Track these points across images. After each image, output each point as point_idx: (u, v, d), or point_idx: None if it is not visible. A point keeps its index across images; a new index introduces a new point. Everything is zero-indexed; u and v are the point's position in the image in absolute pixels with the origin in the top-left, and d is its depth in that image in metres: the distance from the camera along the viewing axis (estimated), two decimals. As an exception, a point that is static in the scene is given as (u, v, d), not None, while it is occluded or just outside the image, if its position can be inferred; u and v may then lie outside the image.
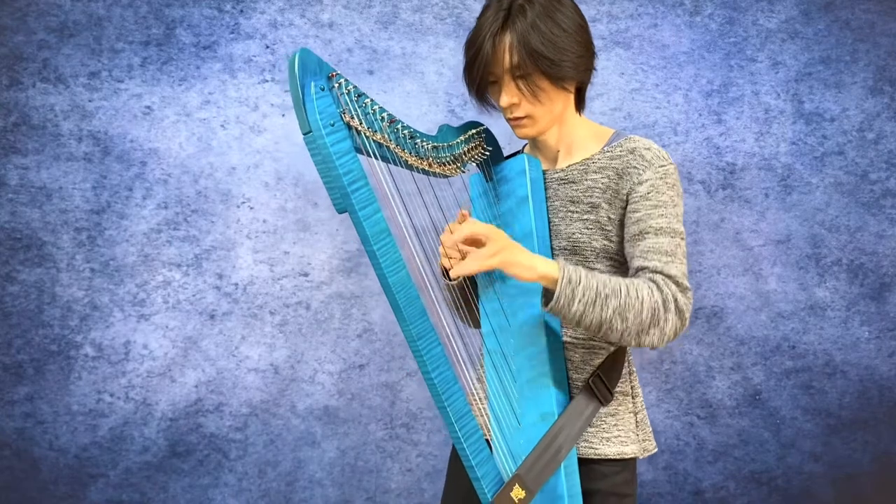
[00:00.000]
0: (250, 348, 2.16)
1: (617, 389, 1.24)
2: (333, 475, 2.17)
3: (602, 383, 1.21)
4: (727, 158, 2.22)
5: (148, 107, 2.15)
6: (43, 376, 2.09)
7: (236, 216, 2.17)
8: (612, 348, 1.25)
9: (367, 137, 1.05)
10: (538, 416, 1.17)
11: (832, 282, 2.21)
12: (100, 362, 2.11)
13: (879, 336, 2.21)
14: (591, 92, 1.30)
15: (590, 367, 1.23)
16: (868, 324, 2.21)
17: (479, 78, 1.18)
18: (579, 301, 1.07)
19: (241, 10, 2.17)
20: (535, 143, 1.30)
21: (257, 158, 2.18)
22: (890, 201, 2.22)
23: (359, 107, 1.04)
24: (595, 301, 1.07)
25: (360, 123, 1.04)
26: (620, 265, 1.23)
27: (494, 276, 1.28)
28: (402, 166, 1.15)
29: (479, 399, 1.24)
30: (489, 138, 1.29)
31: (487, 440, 1.23)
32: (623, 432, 1.22)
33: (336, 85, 1.01)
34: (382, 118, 1.07)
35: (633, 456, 1.22)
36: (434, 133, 1.20)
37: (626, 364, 1.26)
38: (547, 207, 1.26)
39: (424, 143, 1.15)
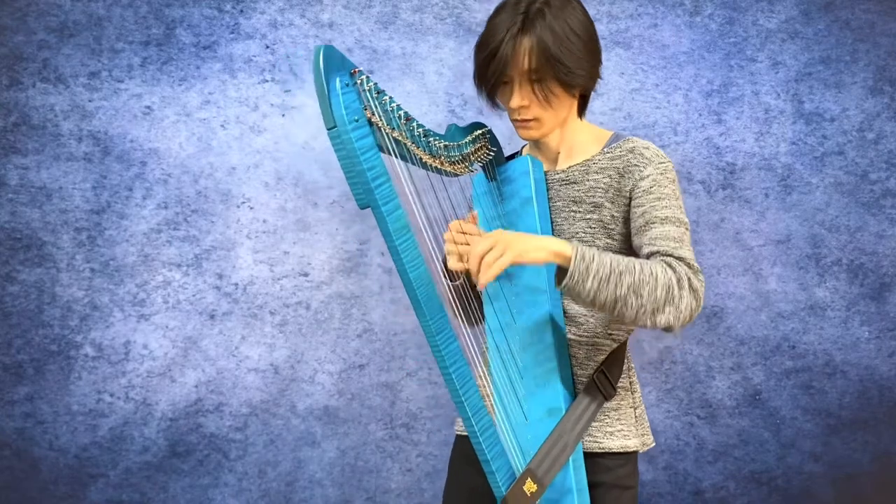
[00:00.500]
0: (250, 348, 2.16)
1: (619, 384, 1.26)
2: (333, 475, 2.18)
3: (606, 379, 1.23)
4: (727, 158, 2.23)
5: (148, 107, 2.15)
6: (43, 376, 2.09)
7: (236, 216, 2.17)
8: (615, 345, 1.28)
9: (387, 134, 1.06)
10: (545, 411, 1.19)
11: (832, 282, 2.22)
12: (100, 362, 2.11)
13: (879, 336, 2.21)
14: (594, 90, 1.31)
15: (593, 363, 1.25)
16: (868, 324, 2.21)
17: (495, 79, 1.19)
18: (593, 277, 1.06)
19: (241, 10, 2.18)
20: (536, 144, 1.32)
21: (257, 158, 2.18)
22: (890, 201, 2.22)
23: (379, 104, 1.04)
24: (609, 277, 1.07)
25: (381, 120, 1.04)
26: None
27: (499, 275, 1.28)
28: (417, 164, 1.16)
29: (488, 394, 1.25)
30: (493, 139, 1.30)
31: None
32: (625, 426, 1.25)
33: (359, 81, 1.01)
34: (400, 116, 1.07)
35: (634, 449, 1.25)
36: (441, 132, 1.21)
37: (625, 360, 1.29)
38: (549, 207, 1.28)
39: (437, 142, 1.16)
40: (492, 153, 1.29)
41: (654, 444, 1.30)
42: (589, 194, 1.24)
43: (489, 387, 1.24)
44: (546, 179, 1.29)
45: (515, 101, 1.20)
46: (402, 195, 1.07)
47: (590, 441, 1.23)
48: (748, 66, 2.23)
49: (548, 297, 1.22)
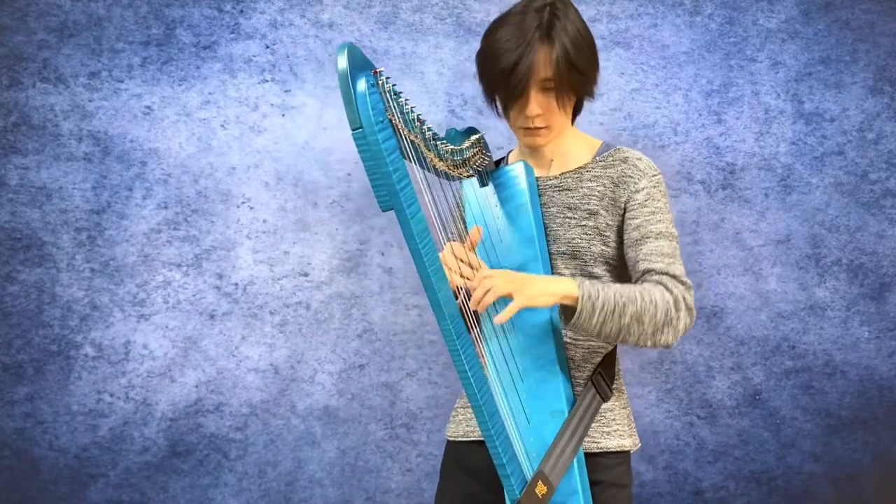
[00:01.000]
0: (250, 348, 2.16)
1: (613, 386, 1.29)
2: (333, 475, 2.18)
3: (603, 380, 1.26)
4: (727, 158, 2.23)
5: (148, 107, 2.15)
6: (43, 376, 2.09)
7: (236, 216, 2.17)
8: (610, 347, 1.30)
9: (404, 137, 1.05)
10: (548, 413, 1.20)
11: (832, 282, 2.22)
12: (100, 362, 2.11)
13: (879, 336, 2.21)
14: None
15: (590, 364, 1.27)
16: (868, 324, 2.21)
17: (517, 91, 1.18)
18: (599, 312, 1.13)
19: (241, 10, 2.18)
20: (532, 151, 1.32)
21: (257, 158, 2.18)
22: (890, 201, 2.22)
23: (397, 105, 1.03)
24: (614, 310, 1.14)
25: (400, 122, 1.03)
26: (615, 269, 1.29)
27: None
28: (427, 168, 1.15)
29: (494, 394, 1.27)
30: (485, 144, 1.31)
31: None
32: (620, 426, 1.28)
33: (380, 82, 1.00)
34: (414, 118, 1.06)
35: (629, 449, 1.28)
36: (442, 134, 1.21)
37: (616, 362, 1.32)
38: (542, 213, 1.29)
39: (444, 146, 1.16)
40: (486, 158, 1.30)
41: (640, 445, 1.34)
42: (583, 201, 1.26)
43: (494, 388, 1.24)
44: (539, 185, 1.31)
45: (533, 110, 1.20)
46: (420, 198, 1.06)
47: (589, 441, 1.25)
48: (748, 66, 2.23)
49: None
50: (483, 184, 1.33)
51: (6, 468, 2.08)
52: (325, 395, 2.17)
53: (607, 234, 1.25)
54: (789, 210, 2.22)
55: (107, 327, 2.12)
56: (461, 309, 1.28)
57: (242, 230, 2.17)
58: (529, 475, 1.16)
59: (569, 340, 1.27)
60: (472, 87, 2.20)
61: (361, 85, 0.96)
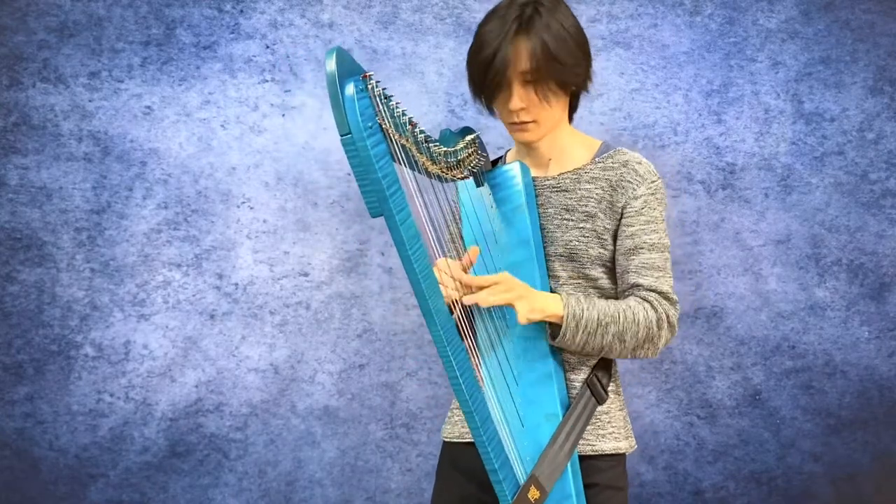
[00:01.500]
0: (250, 348, 2.16)
1: (609, 388, 1.28)
2: (333, 475, 2.18)
3: (598, 383, 1.26)
4: (727, 158, 2.23)
5: (148, 107, 2.15)
6: (43, 376, 2.09)
7: (236, 216, 2.17)
8: None
9: (395, 141, 1.04)
10: (542, 417, 1.19)
11: (832, 282, 2.22)
12: (100, 362, 2.11)
13: (879, 336, 2.21)
14: (591, 92, 1.31)
15: (586, 367, 1.27)
16: (868, 324, 2.21)
17: (496, 83, 1.19)
18: (582, 331, 1.18)
19: (241, 10, 2.18)
20: (527, 149, 1.31)
21: (257, 158, 2.18)
22: (890, 201, 2.22)
23: (387, 109, 1.02)
24: (596, 330, 1.18)
25: (390, 126, 1.02)
26: (611, 270, 1.28)
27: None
28: (420, 171, 1.14)
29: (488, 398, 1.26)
30: (481, 145, 1.29)
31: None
32: (616, 428, 1.27)
33: (369, 86, 0.99)
34: (405, 122, 1.05)
35: (624, 451, 1.27)
36: (436, 136, 1.20)
37: (613, 364, 1.31)
38: (539, 214, 1.28)
39: (437, 148, 1.14)
40: (482, 159, 1.28)
41: (635, 447, 1.33)
42: (581, 203, 1.25)
43: (487, 392, 1.24)
44: (536, 185, 1.29)
45: (515, 104, 1.20)
46: (411, 203, 1.05)
47: (583, 444, 1.24)
48: (748, 66, 2.23)
49: None
50: (479, 184, 1.31)
51: (6, 468, 2.08)
52: (325, 395, 2.17)
53: (605, 237, 1.25)
54: (789, 210, 2.22)
55: (107, 327, 2.12)
56: (456, 317, 1.28)
57: (242, 230, 2.17)
58: (523, 479, 1.15)
59: None
60: (472, 87, 2.20)
61: (349, 90, 0.94)
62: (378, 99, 1.00)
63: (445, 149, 1.16)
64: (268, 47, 2.18)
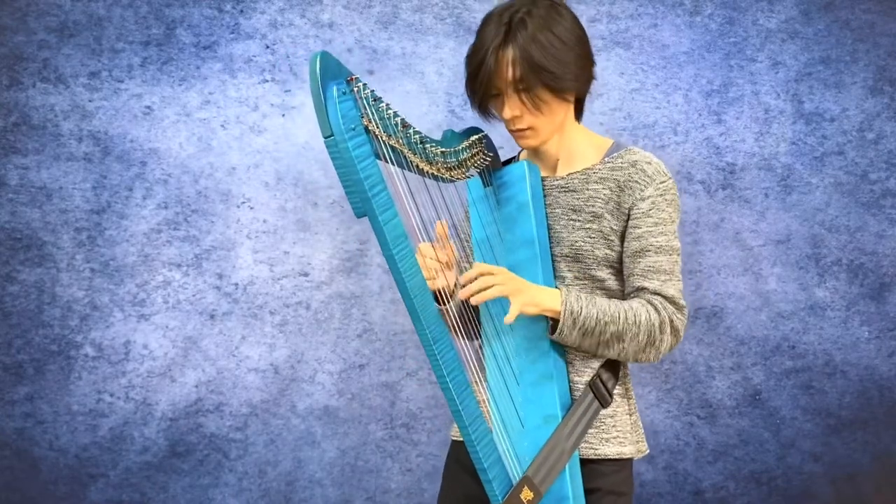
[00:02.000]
0: (250, 348, 2.16)
1: (615, 391, 1.26)
2: (333, 475, 2.18)
3: (602, 385, 1.23)
4: (727, 158, 2.23)
5: (148, 107, 2.15)
6: (43, 376, 2.09)
7: (236, 216, 2.17)
8: None
9: (384, 142, 1.05)
10: (542, 418, 1.18)
11: (832, 282, 2.22)
12: (100, 362, 2.11)
13: (879, 336, 2.21)
14: (591, 92, 1.31)
15: (590, 369, 1.25)
16: (868, 324, 2.21)
17: (483, 92, 1.20)
18: (579, 328, 1.16)
19: (241, 10, 2.18)
20: (535, 151, 1.31)
21: (257, 158, 2.18)
22: (890, 201, 2.22)
23: (375, 111, 1.03)
24: (594, 329, 1.16)
25: (377, 128, 1.03)
26: (618, 272, 1.26)
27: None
28: (413, 171, 1.15)
29: (484, 400, 1.25)
30: (489, 144, 1.30)
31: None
32: (621, 433, 1.24)
33: (355, 88, 1.00)
34: (396, 123, 1.06)
35: (630, 456, 1.24)
36: (437, 136, 1.20)
37: (621, 367, 1.28)
38: (546, 214, 1.28)
39: (433, 148, 1.15)
40: (488, 158, 1.28)
41: (647, 452, 1.30)
42: (588, 203, 1.24)
43: (485, 393, 1.24)
44: (544, 185, 1.29)
45: (507, 113, 1.20)
46: (400, 203, 1.07)
47: (586, 447, 1.22)
48: (748, 66, 2.23)
49: None
50: (486, 184, 1.32)
51: (6, 468, 2.08)
52: (325, 395, 2.17)
53: (612, 238, 1.23)
54: (789, 210, 2.22)
55: (107, 327, 2.12)
56: (460, 312, 1.28)
57: (242, 230, 2.17)
58: (518, 480, 1.15)
59: None
60: (472, 87, 2.20)
61: (331, 93, 0.97)
62: (365, 101, 1.01)
63: (443, 149, 1.17)
64: (268, 47, 2.18)
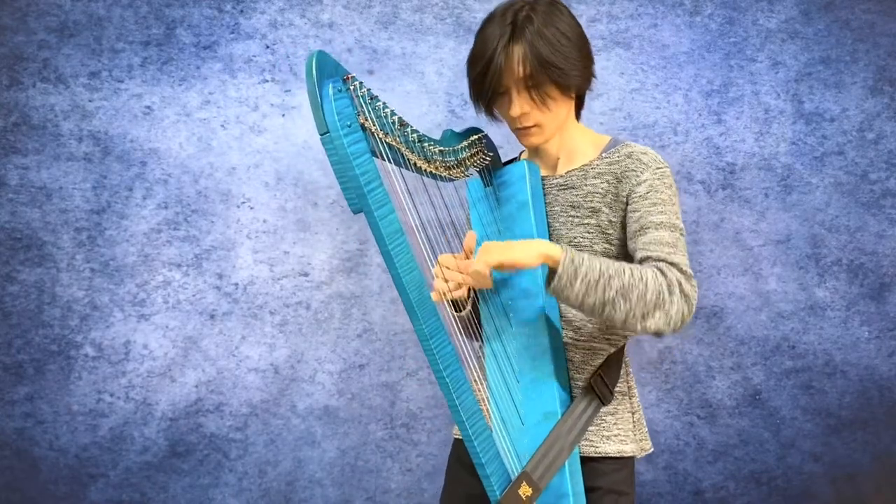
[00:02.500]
0: (250, 348, 2.16)
1: (616, 389, 1.26)
2: (333, 475, 2.18)
3: (603, 383, 1.23)
4: (727, 158, 2.23)
5: (148, 107, 2.15)
6: (43, 376, 2.09)
7: (236, 216, 2.17)
8: (612, 349, 1.27)
9: (380, 140, 1.07)
10: (541, 415, 1.19)
11: (832, 282, 2.22)
12: (100, 362, 2.11)
13: (879, 336, 2.21)
14: (591, 92, 1.31)
15: (590, 367, 1.25)
16: (868, 324, 2.21)
17: (492, 91, 1.20)
18: (581, 280, 1.08)
19: (241, 10, 2.18)
20: (536, 149, 1.32)
21: (257, 158, 2.18)
22: (890, 201, 2.22)
23: (372, 109, 1.05)
24: (598, 281, 1.08)
25: (374, 126, 1.05)
26: None
27: (495, 279, 1.28)
28: (411, 169, 1.16)
29: (483, 399, 1.25)
30: (489, 144, 1.30)
31: None
32: (622, 431, 1.24)
33: (352, 87, 1.02)
34: (394, 121, 1.08)
35: (632, 455, 1.24)
36: (437, 136, 1.21)
37: (623, 365, 1.28)
38: (546, 212, 1.28)
39: (432, 147, 1.16)
40: (487, 158, 1.29)
41: (651, 450, 1.29)
42: (587, 199, 1.24)
43: (485, 391, 1.24)
44: (545, 184, 1.30)
45: (516, 110, 1.21)
46: (397, 200, 1.08)
47: (586, 445, 1.22)
48: (748, 66, 2.23)
49: (544, 301, 1.22)
50: (487, 183, 1.33)
51: (6, 468, 2.08)
52: (325, 395, 2.17)
53: (610, 231, 1.23)
54: (789, 210, 2.22)
55: (107, 327, 2.12)
56: (468, 318, 1.28)
57: (242, 230, 2.17)
58: (516, 476, 1.15)
59: (569, 341, 1.25)
60: (472, 87, 2.20)
61: (327, 91, 0.99)
62: (361, 99, 1.03)
63: (441, 148, 1.18)
64: (268, 47, 2.18)
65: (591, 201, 1.24)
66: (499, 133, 2.18)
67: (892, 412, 2.21)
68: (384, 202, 1.02)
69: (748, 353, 2.22)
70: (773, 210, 2.22)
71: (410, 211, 1.11)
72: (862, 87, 2.23)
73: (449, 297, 1.20)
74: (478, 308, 1.30)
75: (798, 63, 2.23)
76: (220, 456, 2.15)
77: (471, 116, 2.20)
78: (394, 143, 1.09)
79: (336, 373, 2.18)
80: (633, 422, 1.27)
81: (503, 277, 1.28)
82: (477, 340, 1.32)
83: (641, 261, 1.16)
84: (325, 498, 2.17)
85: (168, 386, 2.13)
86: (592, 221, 1.24)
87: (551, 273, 1.11)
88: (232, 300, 2.16)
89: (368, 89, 1.04)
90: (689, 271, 1.14)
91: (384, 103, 1.07)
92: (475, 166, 1.28)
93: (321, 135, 0.99)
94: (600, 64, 2.21)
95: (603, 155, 1.26)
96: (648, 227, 1.17)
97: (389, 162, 1.09)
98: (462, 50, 2.21)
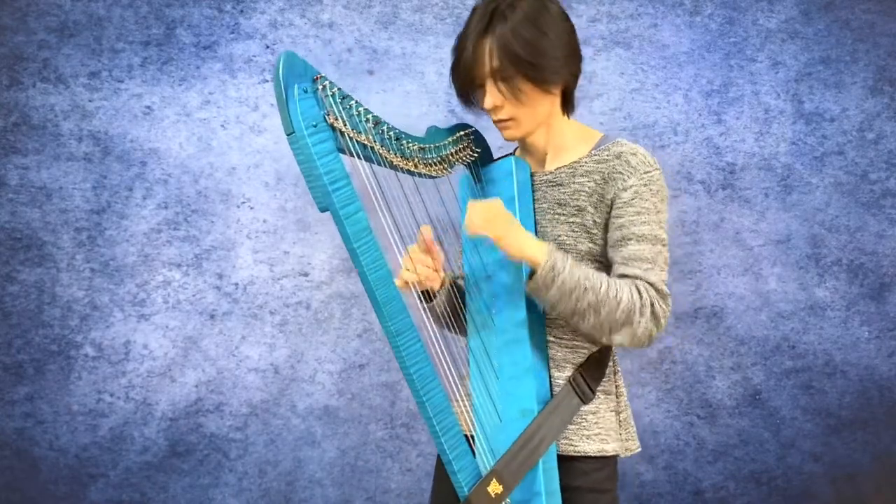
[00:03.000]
0: (250, 348, 2.16)
1: (599, 388, 1.25)
2: (333, 475, 2.18)
3: (584, 381, 1.22)
4: (727, 158, 2.23)
5: (148, 107, 2.15)
6: (43, 376, 2.09)
7: (236, 216, 2.17)
8: (595, 348, 1.26)
9: (351, 139, 1.08)
10: (518, 412, 1.18)
11: (832, 282, 2.22)
12: (100, 362, 2.11)
13: (879, 336, 2.21)
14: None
15: (571, 365, 1.24)
16: (868, 324, 2.21)
17: (462, 81, 1.22)
18: (557, 287, 1.12)
19: (241, 10, 2.18)
20: (524, 145, 1.32)
21: (257, 158, 2.18)
22: (890, 201, 2.22)
23: (343, 108, 1.07)
24: (573, 292, 1.12)
25: (344, 125, 1.07)
26: (606, 267, 1.24)
27: (479, 275, 1.29)
28: (387, 167, 1.17)
29: (462, 396, 1.25)
30: (478, 140, 1.30)
31: (470, 436, 1.25)
32: (604, 430, 1.23)
33: (321, 87, 1.04)
34: (367, 120, 1.10)
35: (613, 454, 1.23)
36: (423, 133, 1.22)
37: (611, 364, 1.27)
38: (534, 209, 1.27)
39: (410, 145, 1.17)
40: (475, 154, 1.29)
41: (639, 450, 1.29)
42: (573, 197, 1.23)
43: (467, 388, 1.24)
44: (534, 181, 1.29)
45: (487, 102, 1.21)
46: (369, 199, 1.10)
47: (565, 444, 1.21)
48: (748, 66, 2.23)
49: (526, 299, 1.22)
50: (476, 179, 1.32)
51: (6, 468, 2.08)
52: (325, 394, 2.17)
53: (594, 231, 1.21)
54: (789, 210, 2.22)
55: (107, 327, 2.12)
56: (451, 307, 1.29)
57: (242, 230, 2.17)
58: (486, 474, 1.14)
59: (552, 339, 1.24)
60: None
61: (292, 92, 1.01)
62: (332, 99, 1.05)
63: (421, 145, 1.19)
64: (268, 47, 2.18)
65: (578, 200, 1.23)
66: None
67: (892, 412, 2.21)
68: (351, 200, 1.05)
69: (748, 353, 2.22)
70: (773, 210, 2.22)
71: (382, 209, 1.12)
72: (862, 87, 2.23)
73: (416, 286, 1.22)
74: (456, 301, 1.31)
75: (798, 63, 2.23)
76: (220, 456, 2.15)
77: (471, 117, 2.20)
78: (367, 142, 1.10)
79: (336, 373, 2.18)
80: (619, 421, 1.26)
81: (487, 274, 1.28)
82: (454, 332, 1.31)
83: (620, 276, 1.17)
84: (325, 498, 2.17)
85: (168, 386, 2.13)
86: (577, 220, 1.22)
87: (532, 274, 1.14)
88: (232, 300, 2.16)
89: (339, 89, 1.06)
90: (665, 289, 1.16)
91: (357, 102, 1.09)
92: (461, 162, 1.28)
93: (287, 135, 1.02)
94: (600, 64, 2.21)
95: (593, 152, 1.24)
96: (630, 239, 1.17)
97: (360, 159, 1.10)
98: (462, 50, 2.21)
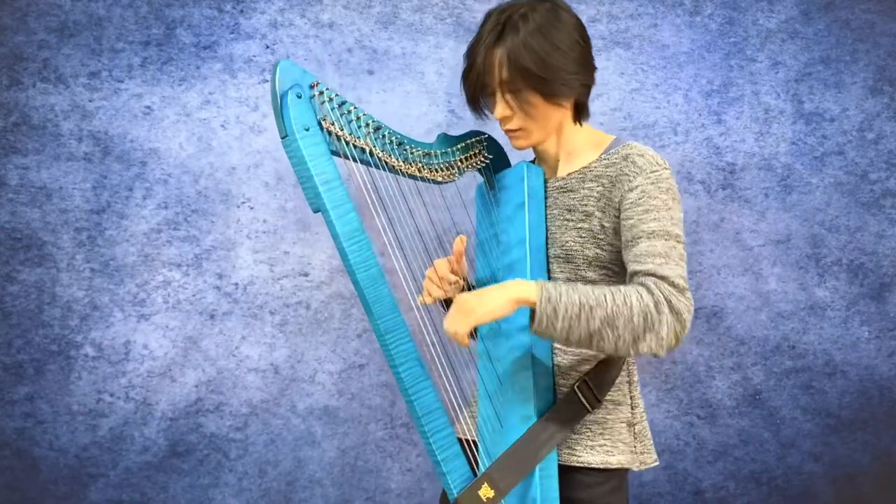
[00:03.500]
0: (250, 348, 2.16)
1: (608, 397, 1.21)
2: (333, 475, 2.18)
3: (589, 389, 1.18)
4: (727, 158, 2.23)
5: (148, 107, 2.15)
6: (43, 376, 2.09)
7: (236, 216, 2.17)
8: (602, 356, 1.22)
9: (348, 143, 1.12)
10: (519, 418, 1.17)
11: (832, 282, 2.22)
12: (100, 362, 2.11)
13: (879, 336, 2.21)
14: (591, 92, 1.30)
15: (577, 372, 1.21)
16: (868, 324, 2.21)
17: (473, 89, 1.22)
18: (563, 317, 1.04)
19: (241, 10, 2.18)
20: (536, 152, 1.32)
21: (257, 158, 2.18)
22: (890, 201, 2.22)
23: (341, 114, 1.11)
24: (580, 314, 1.04)
25: (342, 130, 1.10)
26: (614, 274, 1.22)
27: (487, 282, 1.29)
28: (387, 171, 1.19)
29: (463, 402, 1.25)
30: (491, 146, 1.30)
31: (474, 442, 1.24)
32: (610, 441, 1.19)
33: (317, 94, 1.08)
34: (367, 125, 1.13)
35: (619, 466, 1.18)
36: (433, 138, 1.23)
37: (624, 373, 1.23)
38: (546, 215, 1.27)
39: (414, 150, 1.20)
40: (486, 160, 1.29)
41: (656, 464, 1.23)
42: (582, 202, 1.21)
43: (473, 393, 1.24)
44: (547, 187, 1.28)
45: (497, 112, 1.21)
46: (365, 202, 1.13)
47: (567, 453, 1.18)
48: (748, 66, 2.23)
49: None
50: (490, 186, 1.33)
51: (6, 468, 2.08)
52: (325, 394, 2.17)
53: (602, 237, 1.19)
54: (789, 210, 2.22)
55: (107, 327, 2.12)
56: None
57: (242, 230, 2.17)
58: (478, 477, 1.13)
59: (557, 347, 1.22)
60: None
61: (287, 97, 1.06)
62: (329, 104, 1.09)
63: (426, 150, 1.20)
64: (268, 47, 2.18)
65: (586, 205, 1.21)
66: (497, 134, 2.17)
67: (892, 412, 2.21)
68: (343, 202, 1.07)
69: (748, 353, 2.22)
70: (773, 210, 2.22)
71: (377, 211, 1.15)
72: (862, 87, 2.23)
73: (435, 300, 1.25)
74: None
75: (798, 63, 2.23)
76: (220, 456, 2.15)
77: (470, 116, 2.20)
78: (365, 147, 1.13)
79: (336, 373, 2.18)
80: (634, 434, 1.21)
81: (495, 280, 1.27)
82: (474, 337, 1.31)
83: (632, 275, 1.12)
84: (325, 498, 2.17)
85: (168, 386, 2.13)
86: (585, 226, 1.20)
87: (532, 314, 1.07)
88: (232, 300, 2.16)
89: (336, 95, 1.10)
90: (682, 283, 1.08)
91: (356, 108, 1.12)
92: (472, 168, 1.28)
93: (281, 139, 1.06)
94: (600, 64, 2.21)
95: (602, 156, 1.22)
96: (640, 237, 1.12)
97: (357, 163, 1.13)
98: (462, 50, 2.21)
